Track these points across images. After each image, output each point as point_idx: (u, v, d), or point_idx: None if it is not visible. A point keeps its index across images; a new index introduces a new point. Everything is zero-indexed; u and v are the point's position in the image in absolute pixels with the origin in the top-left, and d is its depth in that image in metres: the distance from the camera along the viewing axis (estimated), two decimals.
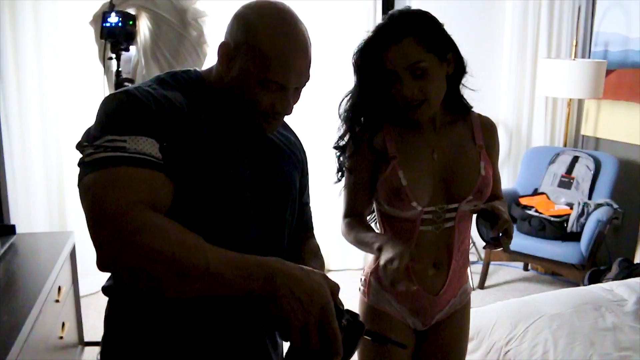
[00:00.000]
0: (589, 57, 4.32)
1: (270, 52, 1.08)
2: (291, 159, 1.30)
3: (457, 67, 1.51)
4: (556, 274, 4.13)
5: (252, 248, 1.12)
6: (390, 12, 1.48)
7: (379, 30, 1.46)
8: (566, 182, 4.03)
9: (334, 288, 0.99)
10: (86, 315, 3.06)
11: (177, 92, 1.12)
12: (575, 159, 4.04)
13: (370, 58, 1.47)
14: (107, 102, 1.08)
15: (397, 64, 1.42)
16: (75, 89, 3.55)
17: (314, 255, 1.32)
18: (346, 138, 1.58)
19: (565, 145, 4.35)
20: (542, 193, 4.07)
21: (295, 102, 1.18)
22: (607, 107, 4.25)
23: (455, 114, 1.60)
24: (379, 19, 3.98)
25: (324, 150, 3.89)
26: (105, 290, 1.19)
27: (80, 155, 1.04)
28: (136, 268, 0.92)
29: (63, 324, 2.48)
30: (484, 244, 1.52)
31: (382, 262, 1.36)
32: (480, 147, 1.58)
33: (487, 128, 1.62)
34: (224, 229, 1.12)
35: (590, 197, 3.92)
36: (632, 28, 3.99)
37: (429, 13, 1.47)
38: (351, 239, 1.58)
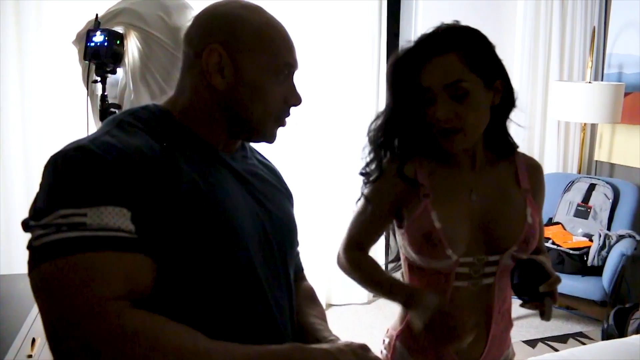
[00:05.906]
0: (602, 80, 4.13)
1: (271, 34, 0.98)
2: (281, 191, 1.11)
3: (505, 98, 1.28)
4: (573, 308, 3.88)
5: (263, 314, 0.93)
6: (437, 25, 1.26)
7: (419, 42, 1.24)
8: (583, 211, 3.80)
9: (362, 351, 0.89)
10: None
11: (144, 135, 0.88)
12: (592, 187, 3.82)
13: (406, 73, 1.24)
14: (55, 164, 0.82)
15: (434, 81, 1.20)
16: (60, 117, 3.28)
17: (311, 301, 1.14)
18: (374, 164, 1.34)
19: (579, 172, 4.13)
20: (558, 223, 3.83)
21: None
22: (622, 131, 4.04)
23: (498, 152, 1.36)
24: (384, 30, 3.75)
25: (326, 176, 3.70)
26: None
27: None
28: None
29: None
30: (520, 302, 1.27)
31: (416, 322, 1.22)
32: (526, 191, 1.35)
33: (534, 170, 1.39)
34: (228, 299, 0.89)
35: (609, 228, 3.69)
36: None
37: (480, 31, 1.24)
38: (358, 276, 1.36)
